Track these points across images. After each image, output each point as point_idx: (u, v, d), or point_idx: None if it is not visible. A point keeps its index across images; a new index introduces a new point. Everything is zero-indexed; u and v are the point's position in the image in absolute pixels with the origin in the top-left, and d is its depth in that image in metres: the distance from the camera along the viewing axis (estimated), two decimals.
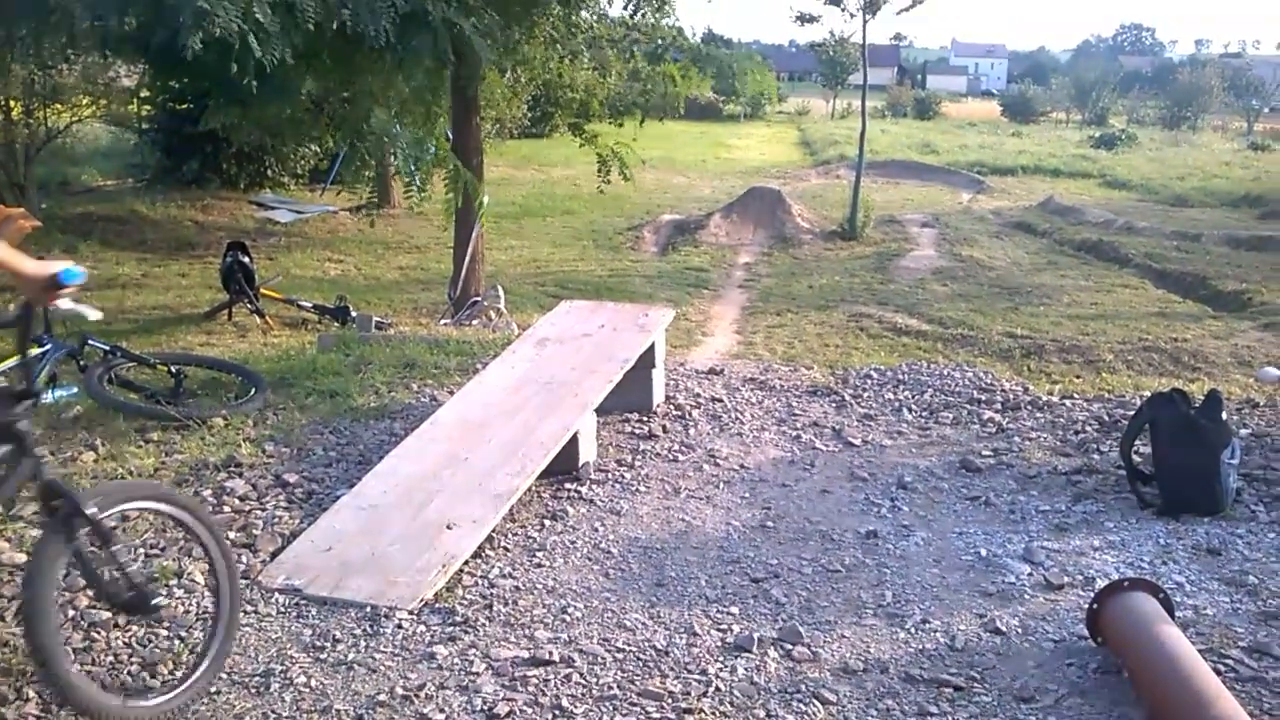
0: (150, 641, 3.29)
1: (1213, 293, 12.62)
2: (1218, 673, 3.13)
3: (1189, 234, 16.54)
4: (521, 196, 19.45)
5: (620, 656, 3.31)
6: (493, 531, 4.03)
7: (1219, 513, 4.57)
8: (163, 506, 3.18)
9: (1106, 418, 5.87)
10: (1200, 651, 3.20)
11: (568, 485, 4.71)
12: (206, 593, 3.48)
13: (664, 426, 5.63)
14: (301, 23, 6.21)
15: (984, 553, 4.19)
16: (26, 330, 3.06)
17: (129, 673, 3.13)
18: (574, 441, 4.70)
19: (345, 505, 4.07)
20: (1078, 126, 51.85)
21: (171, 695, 2.92)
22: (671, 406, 5.97)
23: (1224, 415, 4.83)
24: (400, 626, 3.40)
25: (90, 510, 2.80)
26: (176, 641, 3.28)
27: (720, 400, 6.13)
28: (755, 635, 3.42)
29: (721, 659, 3.31)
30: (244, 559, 3.84)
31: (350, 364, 6.43)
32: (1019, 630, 3.57)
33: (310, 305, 9.93)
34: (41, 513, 2.89)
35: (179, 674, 3.10)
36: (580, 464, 4.81)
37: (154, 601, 3.07)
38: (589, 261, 14.08)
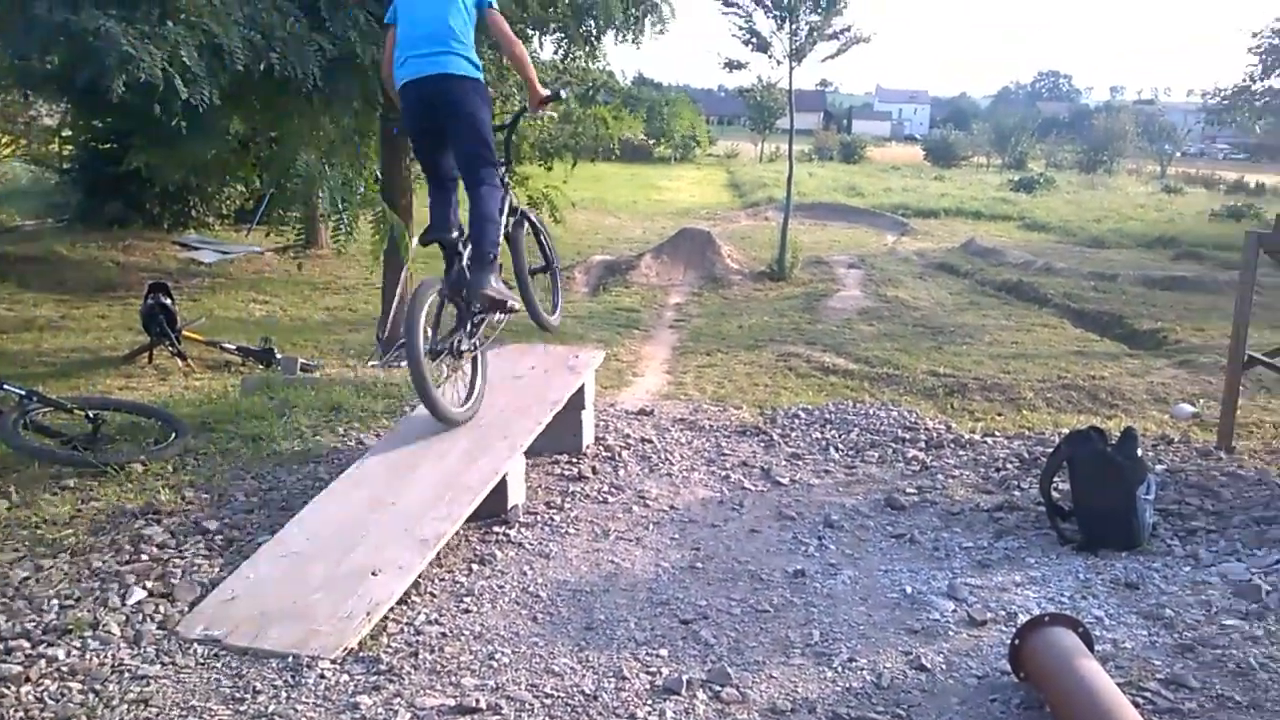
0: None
1: (1129, 331, 12.98)
2: (1136, 705, 3.20)
3: (1106, 274, 17.02)
4: None
5: (549, 702, 3.28)
6: (419, 577, 3.99)
7: (1136, 547, 4.68)
8: (533, 218, 5.77)
9: (1027, 455, 5.99)
10: (1119, 684, 3.26)
11: (496, 529, 4.67)
12: (546, 260, 6.15)
13: (594, 468, 5.62)
14: (229, 65, 6.17)
15: (909, 590, 4.24)
16: (512, 133, 5.59)
17: None
18: (503, 484, 4.67)
19: (267, 553, 3.99)
20: (998, 170, 53.18)
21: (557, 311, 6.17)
22: (601, 448, 5.96)
23: (1139, 452, 4.96)
24: (323, 676, 3.33)
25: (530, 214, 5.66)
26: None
27: (650, 441, 6.14)
28: (684, 677, 3.42)
29: (650, 702, 3.30)
30: (161, 609, 3.75)
31: (274, 407, 6.32)
32: (944, 667, 3.61)
33: (234, 347, 9.77)
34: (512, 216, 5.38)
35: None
36: (509, 507, 4.78)
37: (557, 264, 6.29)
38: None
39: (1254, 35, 31.55)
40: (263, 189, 13.46)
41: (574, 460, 5.71)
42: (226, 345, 9.83)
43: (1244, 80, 32.41)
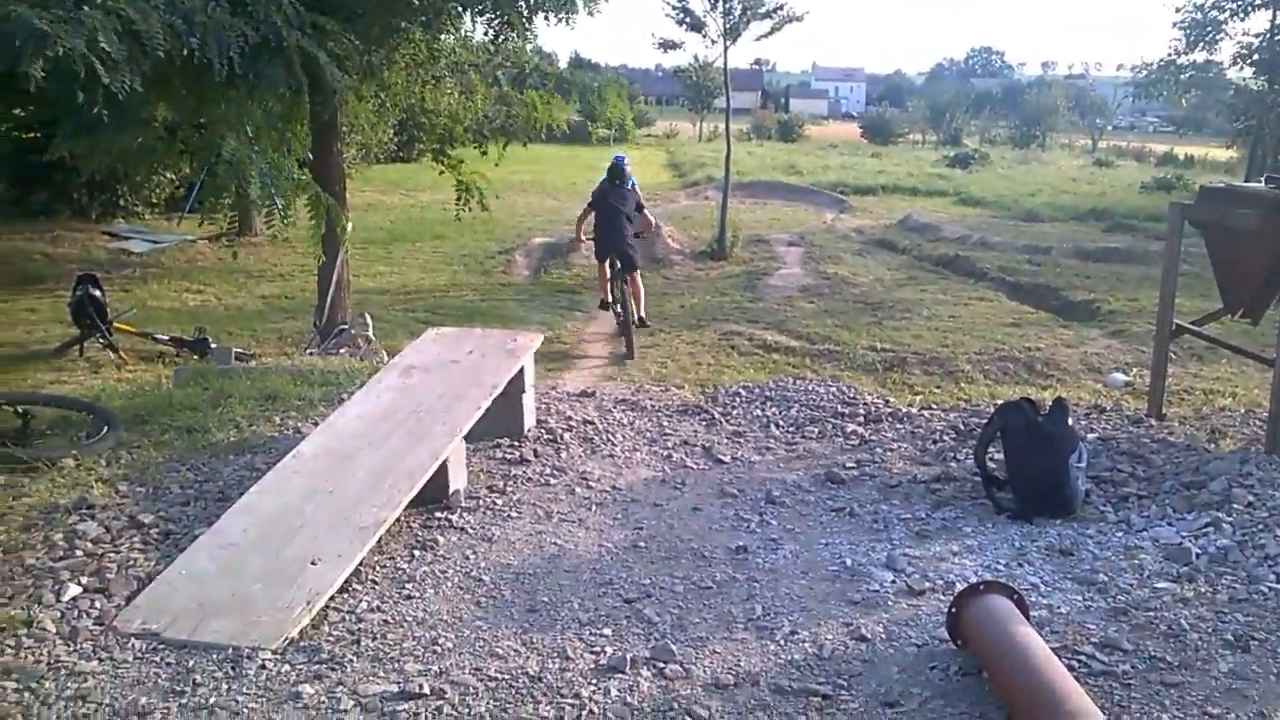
0: None
1: (1063, 303, 13.17)
2: (1071, 669, 3.27)
3: (1040, 247, 17.24)
4: (390, 221, 19.17)
5: (492, 685, 3.28)
6: (360, 565, 3.96)
7: (1069, 515, 4.77)
8: None
9: (963, 426, 6.08)
10: (1054, 649, 3.33)
11: (438, 514, 4.65)
12: None
13: (535, 451, 5.61)
14: (150, 51, 6.02)
15: (849, 562, 4.29)
16: None
17: None
18: (443, 470, 4.65)
19: (203, 545, 3.94)
20: (933, 147, 53.66)
21: None
22: (543, 430, 5.95)
23: (1070, 421, 5.06)
24: (264, 667, 3.30)
25: None
26: None
27: (592, 422, 6.15)
28: (628, 656, 3.44)
29: (595, 681, 3.31)
30: (97, 604, 3.70)
31: (208, 398, 6.23)
32: (883, 637, 3.66)
33: (167, 338, 9.59)
34: None
35: None
36: (450, 492, 4.76)
37: None
38: (460, 286, 13.95)
39: (1177, 10, 32.05)
40: (192, 176, 13.20)
41: (515, 444, 5.70)
42: (159, 336, 9.65)
43: (1169, 54, 32.92)
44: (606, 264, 10.42)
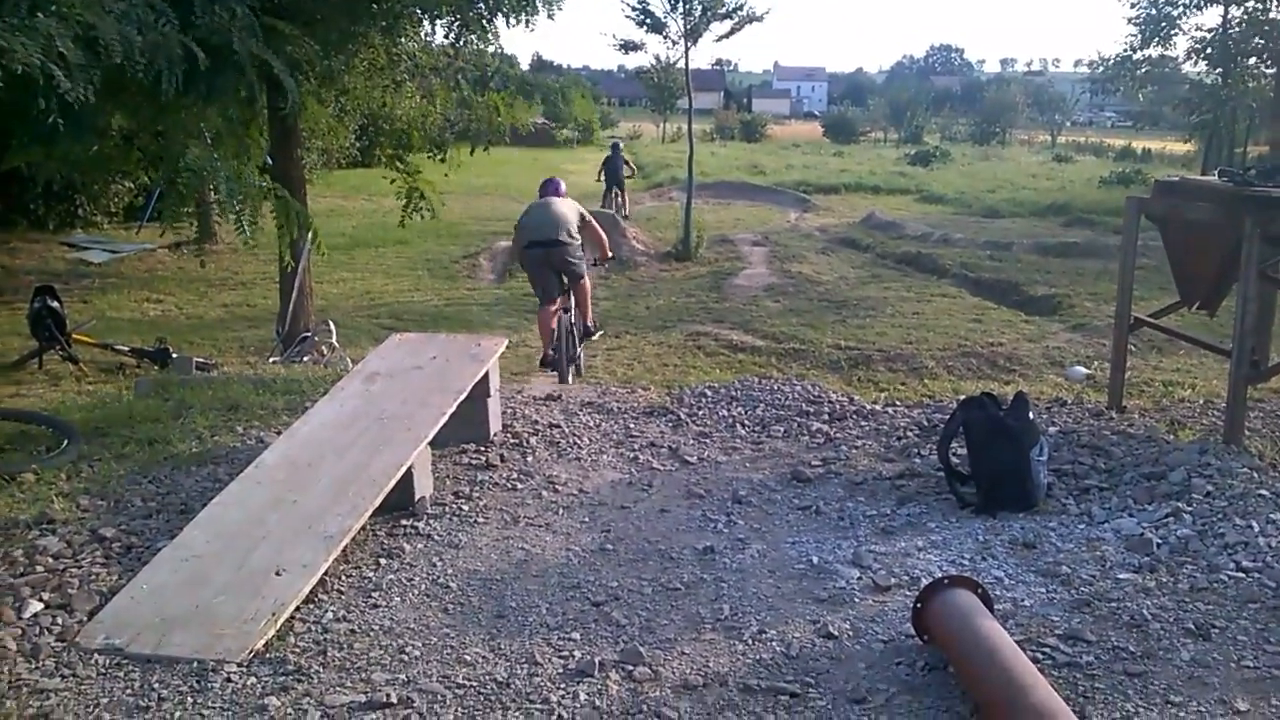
0: None
1: (1024, 298, 13.33)
2: (1035, 661, 3.30)
3: (1001, 243, 17.42)
4: (352, 227, 19.09)
5: (461, 692, 3.27)
6: (326, 574, 3.93)
7: (1032, 508, 4.82)
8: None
9: (926, 423, 6.12)
10: (1019, 641, 3.36)
11: (404, 521, 4.63)
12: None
13: (502, 455, 5.59)
14: (104, 59, 5.95)
15: (815, 560, 4.31)
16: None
17: None
18: (409, 476, 4.62)
19: (166, 558, 3.90)
20: (895, 145, 54.04)
21: None
22: (509, 435, 5.93)
23: (1031, 415, 5.10)
24: (229, 680, 3.27)
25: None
26: None
27: (558, 426, 6.13)
28: (596, 659, 3.43)
29: (563, 686, 3.31)
30: (59, 621, 3.64)
31: (170, 409, 6.17)
32: (850, 633, 3.68)
33: (127, 349, 9.49)
34: None
35: None
36: (416, 499, 4.73)
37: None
38: (425, 291, 13.91)
39: (1132, 6, 32.41)
40: (151, 184, 13.08)
41: (481, 449, 5.68)
42: (119, 347, 9.55)
43: (1125, 50, 33.29)
44: (614, 188, 20.34)
